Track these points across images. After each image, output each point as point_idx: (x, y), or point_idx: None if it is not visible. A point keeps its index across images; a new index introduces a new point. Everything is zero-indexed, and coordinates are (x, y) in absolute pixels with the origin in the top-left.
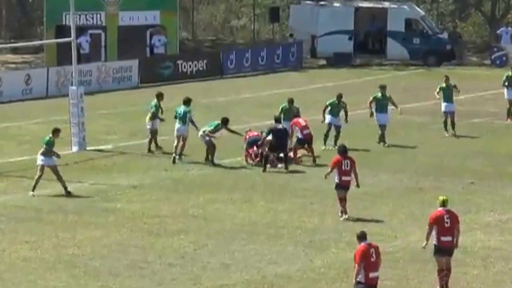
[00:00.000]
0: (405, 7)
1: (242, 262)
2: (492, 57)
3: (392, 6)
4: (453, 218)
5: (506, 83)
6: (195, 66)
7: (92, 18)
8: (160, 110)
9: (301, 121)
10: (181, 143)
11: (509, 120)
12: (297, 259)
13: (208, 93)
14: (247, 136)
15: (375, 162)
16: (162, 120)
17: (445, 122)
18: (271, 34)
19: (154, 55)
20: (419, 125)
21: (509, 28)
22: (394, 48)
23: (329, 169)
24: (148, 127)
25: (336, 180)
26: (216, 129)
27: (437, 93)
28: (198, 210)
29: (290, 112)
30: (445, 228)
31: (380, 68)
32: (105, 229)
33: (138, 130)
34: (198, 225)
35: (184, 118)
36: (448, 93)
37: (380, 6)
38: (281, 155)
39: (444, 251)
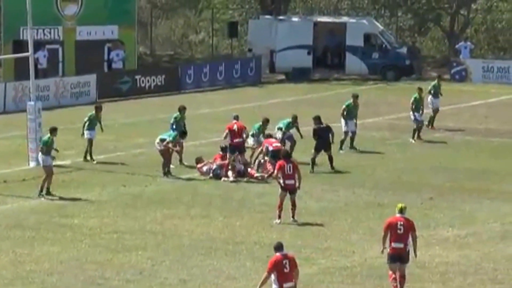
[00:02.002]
0: (364, 21)
1: (200, 278)
2: (452, 71)
3: (351, 20)
4: (408, 226)
5: (432, 91)
6: (153, 81)
7: (50, 33)
8: (97, 122)
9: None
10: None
11: (430, 128)
12: (255, 275)
13: (166, 108)
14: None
15: (334, 177)
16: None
17: (414, 131)
18: (230, 49)
19: (112, 70)
20: (378, 140)
21: (468, 43)
22: (353, 62)
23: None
24: (87, 136)
25: (281, 183)
26: (174, 140)
27: (412, 103)
28: (156, 225)
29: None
30: (398, 235)
31: (339, 83)
32: (62, 245)
33: (96, 145)
34: (156, 240)
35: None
36: (419, 104)
37: (339, 20)
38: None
39: (395, 257)
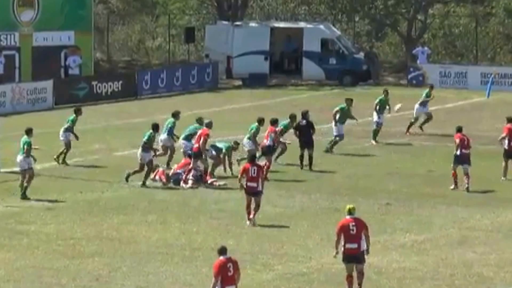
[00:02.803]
0: (321, 27)
1: (156, 285)
2: (409, 77)
3: (308, 26)
4: (360, 225)
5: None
6: (110, 87)
7: (6, 39)
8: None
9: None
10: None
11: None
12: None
13: (123, 114)
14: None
15: (291, 183)
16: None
17: (374, 132)
18: (187, 54)
19: (69, 76)
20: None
21: (426, 48)
22: (310, 68)
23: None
24: (62, 138)
25: (244, 186)
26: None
27: (376, 104)
28: (112, 232)
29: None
30: (351, 236)
31: (296, 89)
32: (18, 252)
33: (53, 152)
34: (113, 247)
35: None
36: (384, 106)
37: (296, 26)
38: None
39: (351, 258)
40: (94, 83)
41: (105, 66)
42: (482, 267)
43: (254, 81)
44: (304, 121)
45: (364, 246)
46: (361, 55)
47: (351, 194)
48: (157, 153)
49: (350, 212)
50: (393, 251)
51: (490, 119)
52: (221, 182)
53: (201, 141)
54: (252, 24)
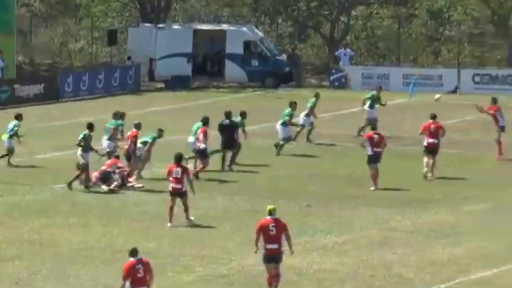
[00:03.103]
0: (244, 29)
1: (77, 287)
2: (331, 78)
3: (231, 28)
4: (280, 226)
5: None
6: (32, 90)
7: None
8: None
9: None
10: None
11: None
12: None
13: (45, 117)
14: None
15: (212, 185)
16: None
17: (309, 131)
18: (109, 57)
19: None
20: (258, 147)
21: (348, 50)
22: (232, 70)
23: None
24: (6, 145)
25: (169, 188)
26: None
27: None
28: (33, 235)
29: None
30: (271, 236)
31: (218, 91)
32: None
33: None
34: (34, 250)
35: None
36: (312, 108)
37: (219, 28)
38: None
39: (271, 258)
40: (16, 86)
41: (28, 69)
42: (402, 268)
43: (176, 83)
44: (227, 121)
45: (284, 247)
46: (283, 57)
47: (272, 196)
48: (101, 153)
49: (271, 212)
50: (313, 252)
51: (412, 120)
52: (140, 185)
53: (129, 143)
54: (175, 26)
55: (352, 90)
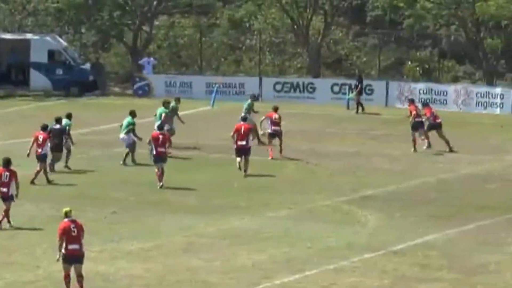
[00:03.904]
0: (48, 38)
1: None
2: (135, 87)
3: (35, 37)
4: (79, 227)
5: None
6: None
7: None
8: None
9: None
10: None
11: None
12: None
13: None
14: None
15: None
16: None
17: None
18: None
19: None
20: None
21: (151, 59)
22: (37, 79)
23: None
24: None
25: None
26: None
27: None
28: None
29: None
30: (72, 237)
31: (23, 99)
32: None
33: None
34: None
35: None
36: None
37: (22, 37)
38: None
39: (72, 258)
40: None
41: None
42: (207, 273)
43: None
44: (57, 126)
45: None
46: (87, 66)
47: (79, 203)
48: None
49: (67, 214)
50: (120, 259)
51: (215, 128)
52: None
53: None
54: None
55: (156, 98)
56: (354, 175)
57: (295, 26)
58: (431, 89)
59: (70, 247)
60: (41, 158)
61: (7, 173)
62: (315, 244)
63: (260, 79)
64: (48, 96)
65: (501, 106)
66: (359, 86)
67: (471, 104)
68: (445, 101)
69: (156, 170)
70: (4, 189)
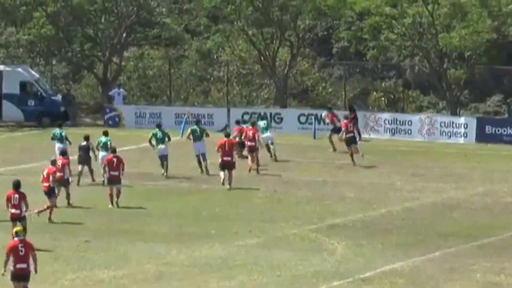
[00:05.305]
0: (20, 69)
1: None
2: (105, 117)
3: (7, 68)
4: (27, 246)
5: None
6: None
7: None
8: None
9: None
10: None
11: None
12: None
13: None
14: None
15: None
16: None
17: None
18: None
19: None
20: (26, 184)
21: (121, 90)
22: (9, 110)
23: None
24: None
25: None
26: None
27: (150, 139)
28: None
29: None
30: (20, 256)
31: None
32: None
33: None
34: None
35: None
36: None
37: None
38: None
39: (19, 277)
40: None
41: None
42: None
43: None
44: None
45: (32, 266)
46: (58, 97)
47: (52, 232)
48: None
49: (18, 234)
50: (92, 287)
51: (184, 158)
52: None
53: None
54: None
55: (126, 129)
56: (321, 204)
57: (262, 58)
58: (396, 119)
59: (18, 266)
60: (65, 182)
61: (17, 195)
62: (284, 272)
63: (228, 110)
64: (21, 126)
65: (465, 135)
66: (354, 115)
67: (435, 133)
68: (410, 131)
69: (109, 191)
70: (14, 210)
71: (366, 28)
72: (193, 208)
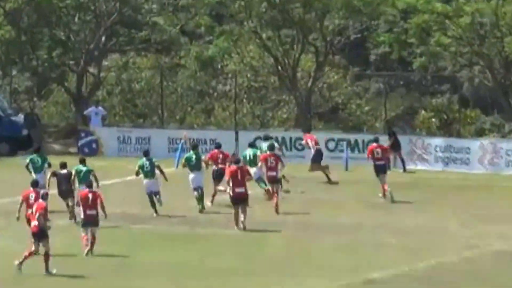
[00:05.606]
0: None
1: None
2: (79, 143)
3: None
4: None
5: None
6: None
7: None
8: None
9: None
10: None
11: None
12: None
13: None
14: None
15: None
16: None
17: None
18: None
19: None
20: None
21: (100, 108)
22: None
23: None
24: None
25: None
26: None
27: (137, 172)
28: None
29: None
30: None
31: None
32: None
33: None
34: None
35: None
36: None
37: None
38: None
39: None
40: None
41: None
42: None
43: None
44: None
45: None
46: (20, 117)
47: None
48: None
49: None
50: None
51: (180, 195)
52: None
53: None
54: None
55: (106, 158)
56: (355, 253)
57: (280, 67)
58: (450, 145)
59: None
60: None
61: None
62: None
63: (237, 133)
64: None
65: None
66: (393, 138)
67: (500, 163)
68: (467, 160)
69: (83, 234)
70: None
71: (412, 30)
72: (192, 259)
